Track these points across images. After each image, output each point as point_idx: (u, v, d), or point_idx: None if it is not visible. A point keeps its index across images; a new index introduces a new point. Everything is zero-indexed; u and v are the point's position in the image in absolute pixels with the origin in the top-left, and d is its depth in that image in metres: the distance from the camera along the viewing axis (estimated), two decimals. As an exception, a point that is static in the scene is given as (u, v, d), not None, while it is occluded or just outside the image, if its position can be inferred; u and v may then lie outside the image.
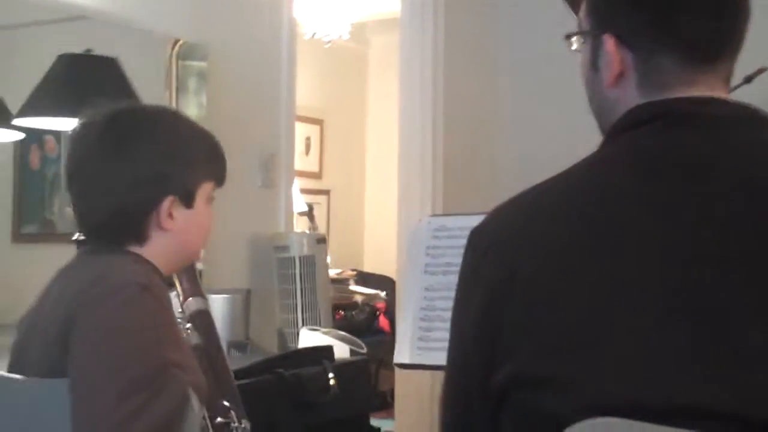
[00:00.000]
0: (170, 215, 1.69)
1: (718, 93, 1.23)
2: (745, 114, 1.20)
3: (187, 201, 1.72)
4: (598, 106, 1.33)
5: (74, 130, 1.74)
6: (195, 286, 1.96)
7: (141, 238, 1.69)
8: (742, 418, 1.01)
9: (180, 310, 1.93)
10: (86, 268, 1.65)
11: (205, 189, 1.76)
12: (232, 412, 1.81)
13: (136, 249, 1.69)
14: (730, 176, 1.14)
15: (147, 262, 1.69)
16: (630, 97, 1.25)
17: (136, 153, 1.68)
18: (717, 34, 1.23)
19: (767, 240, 1.08)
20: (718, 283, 1.06)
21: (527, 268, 1.15)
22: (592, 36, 1.29)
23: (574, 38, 1.36)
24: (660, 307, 1.07)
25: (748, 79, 2.32)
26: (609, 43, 1.25)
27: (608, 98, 1.28)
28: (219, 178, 1.81)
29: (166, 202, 1.68)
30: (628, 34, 1.24)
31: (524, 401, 1.12)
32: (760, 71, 2.47)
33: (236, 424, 1.80)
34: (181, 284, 1.95)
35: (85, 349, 1.51)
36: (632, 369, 1.05)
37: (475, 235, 1.25)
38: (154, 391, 1.48)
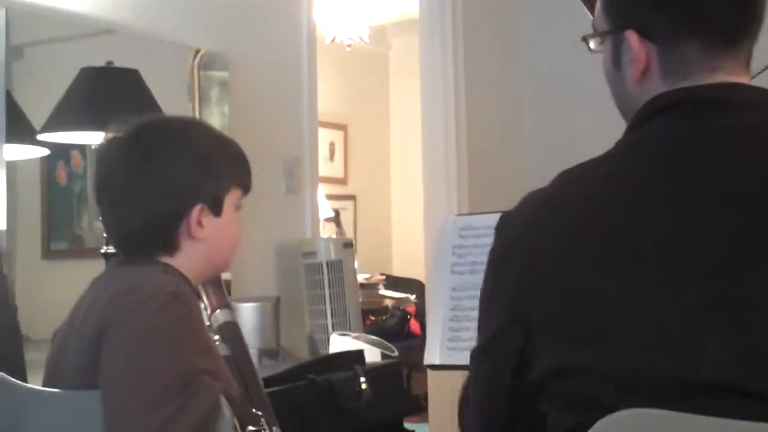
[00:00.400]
0: (200, 224, 1.70)
1: (741, 78, 1.24)
2: (764, 100, 1.21)
3: (216, 209, 1.73)
4: (625, 103, 1.33)
5: (101, 145, 1.76)
6: (221, 298, 1.97)
7: (172, 248, 1.70)
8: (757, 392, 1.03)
9: (208, 323, 1.94)
10: (116, 279, 1.65)
11: (232, 197, 1.77)
12: (263, 420, 1.81)
13: (166, 259, 1.70)
14: (755, 161, 1.14)
15: (176, 271, 1.69)
16: (654, 88, 1.26)
17: (163, 163, 1.69)
18: (739, 17, 1.23)
19: None
20: (735, 273, 1.08)
21: (554, 258, 1.16)
22: (613, 34, 1.30)
23: (591, 39, 1.37)
24: (681, 294, 1.08)
25: None
26: (633, 38, 1.26)
27: (634, 94, 1.30)
28: (245, 186, 1.82)
29: (195, 211, 1.69)
30: (651, 26, 1.25)
31: (564, 389, 1.13)
32: None
33: (267, 430, 1.81)
34: (207, 297, 1.96)
35: (116, 359, 1.51)
36: (661, 350, 1.07)
37: (504, 224, 1.27)
38: (186, 398, 1.47)
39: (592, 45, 1.38)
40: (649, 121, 1.24)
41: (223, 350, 1.88)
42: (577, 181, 1.23)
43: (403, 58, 6.76)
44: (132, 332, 1.52)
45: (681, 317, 1.07)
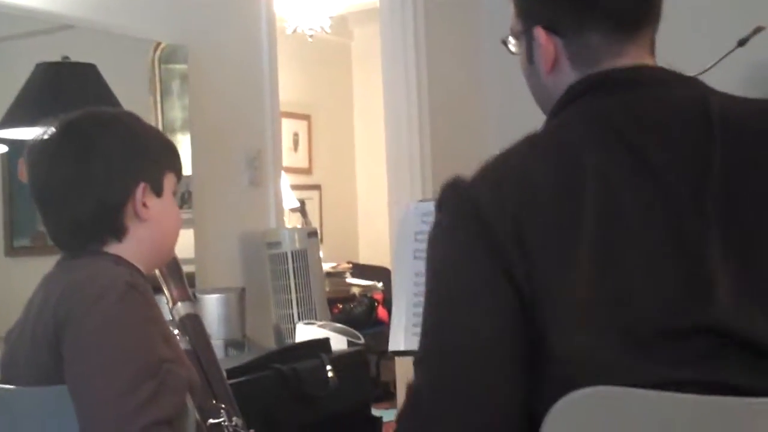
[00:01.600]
0: (144, 204, 1.72)
1: (647, 62, 1.33)
2: (677, 76, 1.30)
3: (157, 189, 1.76)
4: (541, 95, 1.42)
5: (33, 146, 1.76)
6: (183, 290, 1.98)
7: (120, 232, 1.72)
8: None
9: (170, 315, 1.94)
10: (69, 274, 1.65)
11: (169, 181, 1.79)
12: (224, 412, 1.82)
13: (115, 245, 1.72)
14: (668, 132, 1.22)
15: (127, 262, 1.70)
16: (566, 78, 1.34)
17: (102, 150, 1.71)
18: (637, 5, 1.32)
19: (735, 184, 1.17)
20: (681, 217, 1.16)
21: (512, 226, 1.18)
22: (525, 33, 1.39)
23: (511, 42, 1.46)
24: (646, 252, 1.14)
25: (742, 42, 2.26)
26: (540, 34, 1.34)
27: (547, 86, 1.38)
28: (178, 172, 1.84)
29: (140, 190, 1.72)
30: (555, 20, 1.33)
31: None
32: (757, 30, 2.37)
33: (227, 423, 1.81)
34: (168, 289, 1.97)
35: (82, 353, 1.52)
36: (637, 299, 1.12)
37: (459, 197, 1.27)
38: (158, 384, 1.49)
39: (511, 47, 1.47)
40: (570, 105, 1.31)
41: (184, 343, 1.88)
42: (513, 165, 1.28)
43: (365, 47, 6.75)
44: (95, 323, 1.53)
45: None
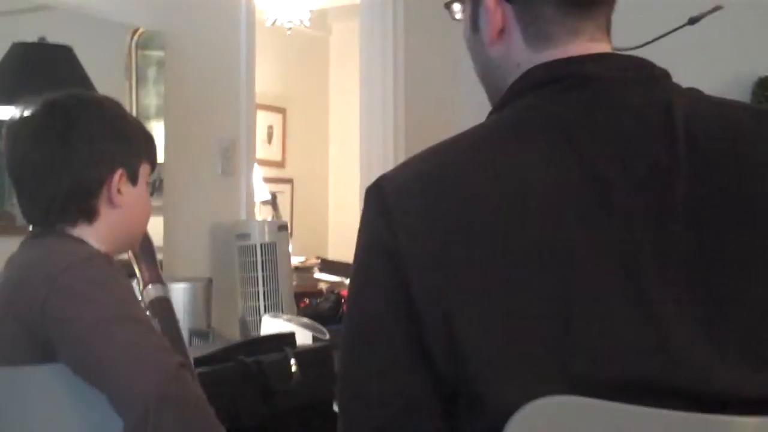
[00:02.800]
0: (119, 191, 1.74)
1: (603, 44, 1.22)
2: (639, 70, 1.19)
3: (133, 178, 1.78)
4: (482, 67, 1.32)
5: (13, 122, 1.76)
6: (155, 272, 1.98)
7: (91, 214, 1.73)
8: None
9: (140, 297, 1.94)
10: (35, 252, 1.66)
11: (144, 170, 1.81)
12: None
13: (85, 227, 1.73)
14: (631, 141, 1.12)
15: (89, 246, 1.71)
16: (516, 51, 1.23)
17: (84, 131, 1.73)
18: None
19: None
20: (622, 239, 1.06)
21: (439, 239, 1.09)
22: None
23: (455, 7, 1.37)
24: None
25: (693, 21, 2.15)
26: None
27: (491, 57, 1.27)
28: (153, 163, 1.86)
29: (116, 176, 1.74)
30: None
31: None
32: (715, 9, 2.14)
33: None
34: (140, 271, 1.97)
35: (80, 322, 1.52)
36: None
37: (374, 189, 1.18)
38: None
39: (456, 13, 1.37)
40: (524, 97, 1.20)
41: (155, 325, 1.88)
42: (450, 165, 1.16)
43: (343, 43, 6.74)
44: (87, 286, 1.55)
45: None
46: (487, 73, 1.31)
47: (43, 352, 1.53)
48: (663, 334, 1.03)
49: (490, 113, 1.28)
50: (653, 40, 1.77)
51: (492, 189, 1.10)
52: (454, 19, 1.37)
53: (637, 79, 1.18)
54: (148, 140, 1.86)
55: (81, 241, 1.70)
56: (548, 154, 1.11)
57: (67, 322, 1.52)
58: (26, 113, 1.75)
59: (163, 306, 1.95)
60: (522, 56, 1.23)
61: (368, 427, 1.13)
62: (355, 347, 1.16)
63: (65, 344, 1.52)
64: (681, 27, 1.85)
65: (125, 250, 1.90)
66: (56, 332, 1.52)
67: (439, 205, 1.11)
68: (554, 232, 1.06)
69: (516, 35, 1.23)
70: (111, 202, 1.74)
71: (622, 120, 1.14)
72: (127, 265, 1.94)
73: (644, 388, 1.03)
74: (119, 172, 1.74)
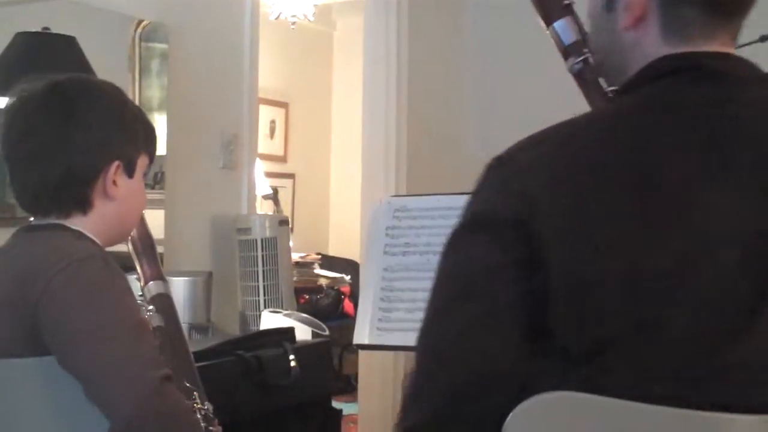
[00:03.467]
0: (114, 183, 1.70)
1: (731, 50, 1.25)
2: (761, 73, 1.23)
3: (130, 170, 1.74)
4: (607, 46, 1.32)
5: (13, 102, 1.73)
6: (156, 269, 1.96)
7: (86, 205, 1.69)
8: None
9: (141, 293, 1.93)
10: (35, 248, 1.63)
11: (142, 162, 1.77)
12: (196, 394, 1.81)
13: (80, 218, 1.69)
14: (757, 132, 1.16)
15: (89, 239, 1.68)
16: (650, 42, 1.25)
17: (85, 116, 1.68)
18: None
19: None
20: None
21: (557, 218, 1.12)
22: None
23: None
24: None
25: (764, 38, 2.17)
26: None
27: (622, 41, 1.28)
28: (152, 155, 1.82)
29: (113, 167, 1.69)
30: None
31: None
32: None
33: (200, 406, 1.80)
34: (141, 268, 1.95)
35: (71, 325, 1.51)
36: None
37: (504, 158, 1.21)
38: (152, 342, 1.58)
39: None
40: (649, 84, 1.23)
41: (157, 320, 1.87)
42: (581, 137, 1.20)
43: (347, 38, 6.73)
44: (79, 293, 1.53)
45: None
46: (612, 52, 1.32)
47: (37, 347, 1.52)
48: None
49: (615, 94, 1.31)
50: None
51: (622, 162, 1.14)
52: None
53: (760, 78, 1.22)
54: (148, 131, 1.81)
55: (80, 236, 1.67)
56: (678, 139, 1.15)
57: (58, 326, 1.51)
58: (26, 94, 1.71)
59: (164, 302, 1.94)
60: (654, 48, 1.25)
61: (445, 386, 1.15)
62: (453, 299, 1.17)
63: (54, 346, 1.51)
64: (751, 43, 1.88)
65: (118, 243, 1.84)
66: (47, 333, 1.51)
67: (570, 177, 1.15)
68: (679, 213, 1.09)
69: (653, 28, 1.25)
70: (106, 194, 1.70)
71: (750, 114, 1.17)
72: (126, 257, 1.92)
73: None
74: (116, 163, 1.70)
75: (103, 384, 1.47)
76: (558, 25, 1.83)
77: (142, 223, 1.96)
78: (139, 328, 1.55)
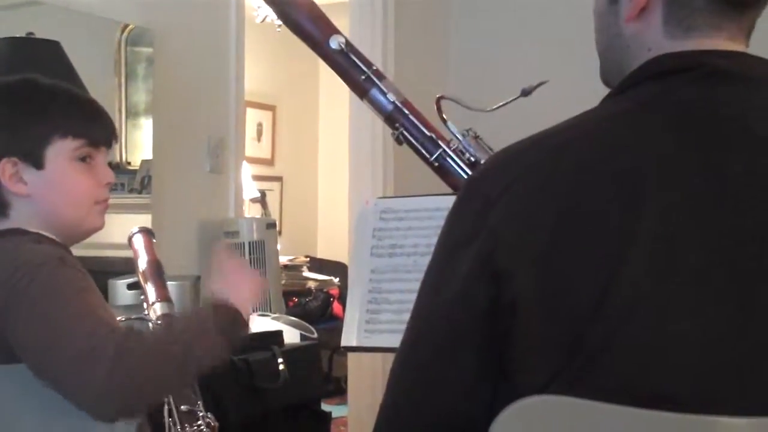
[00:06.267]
0: (21, 179, 1.62)
1: (740, 45, 1.18)
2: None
3: (35, 161, 1.63)
4: (609, 41, 1.26)
5: None
6: (162, 292, 1.94)
7: (4, 207, 1.63)
8: None
9: (146, 313, 1.92)
10: None
11: (61, 147, 1.64)
12: (200, 403, 1.81)
13: (4, 221, 1.63)
14: (760, 141, 1.10)
15: (49, 239, 1.63)
16: (652, 33, 1.19)
17: None
18: None
19: None
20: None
21: (551, 220, 1.08)
22: None
23: None
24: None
25: (526, 93, 2.05)
26: None
27: (624, 34, 1.22)
28: (83, 135, 1.67)
29: (2, 166, 1.61)
30: None
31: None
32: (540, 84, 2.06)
33: (203, 413, 1.80)
34: (149, 290, 1.93)
35: (32, 332, 1.46)
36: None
37: (482, 179, 1.17)
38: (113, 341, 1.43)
39: None
40: (650, 82, 1.17)
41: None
42: (576, 139, 1.14)
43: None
44: (36, 298, 1.47)
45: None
46: (612, 48, 1.26)
47: (9, 354, 1.50)
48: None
49: (609, 95, 1.24)
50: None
51: (606, 173, 1.09)
52: None
53: (766, 79, 1.16)
54: (68, 113, 1.67)
55: (38, 239, 1.61)
56: (669, 145, 1.09)
57: (15, 337, 1.47)
58: None
59: (165, 321, 1.93)
60: (655, 41, 1.19)
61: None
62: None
63: (19, 351, 1.49)
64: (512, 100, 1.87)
65: (75, 239, 1.72)
66: (12, 341, 1.49)
67: (554, 187, 1.10)
68: (665, 224, 1.05)
69: (656, 18, 1.19)
70: (14, 193, 1.62)
71: (749, 117, 1.12)
72: (112, 262, 1.90)
73: None
74: (4, 161, 1.60)
75: (62, 386, 1.44)
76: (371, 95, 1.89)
77: (150, 250, 1.96)
78: (92, 313, 1.46)
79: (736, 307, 1.03)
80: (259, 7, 5.67)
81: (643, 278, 1.03)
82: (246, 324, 1.63)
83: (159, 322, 1.86)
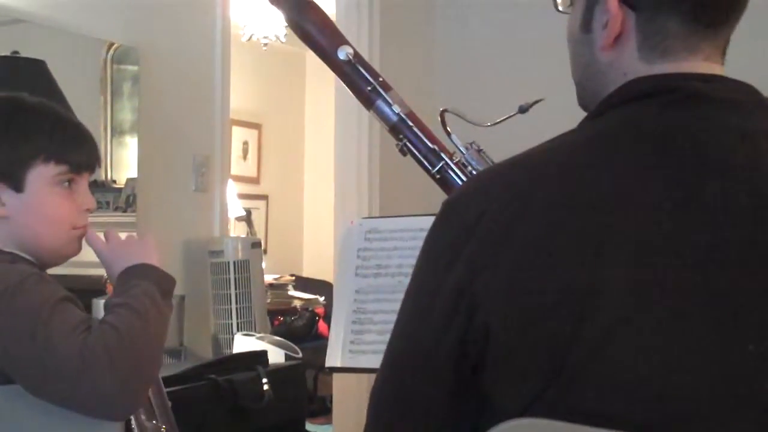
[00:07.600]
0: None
1: (718, 66, 1.18)
2: (750, 99, 1.16)
3: (15, 184, 1.63)
4: (584, 69, 1.26)
5: None
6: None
7: None
8: None
9: None
10: None
11: (42, 171, 1.64)
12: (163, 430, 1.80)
13: None
14: (734, 166, 1.09)
15: (24, 260, 1.63)
16: (627, 60, 1.19)
17: None
18: (724, 0, 1.16)
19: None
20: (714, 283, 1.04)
21: (527, 247, 1.07)
22: None
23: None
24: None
25: (523, 110, 2.08)
26: (612, 1, 1.17)
27: (599, 62, 1.21)
28: (64, 159, 1.66)
29: None
30: None
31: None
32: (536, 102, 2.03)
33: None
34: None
35: (20, 345, 1.45)
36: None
37: (458, 204, 1.17)
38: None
39: (560, 5, 1.29)
40: (624, 106, 1.16)
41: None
42: (545, 174, 1.13)
43: (319, 59, 6.73)
44: (19, 312, 1.46)
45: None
46: (588, 76, 1.26)
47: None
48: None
49: (585, 119, 1.23)
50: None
51: (582, 198, 1.08)
52: (558, 10, 1.30)
53: (746, 103, 1.15)
54: (51, 137, 1.66)
55: (13, 259, 1.60)
56: (645, 169, 1.09)
57: (9, 356, 1.47)
58: None
59: None
60: (631, 66, 1.18)
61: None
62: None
63: (10, 373, 1.48)
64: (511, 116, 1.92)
65: (52, 262, 1.71)
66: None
67: (529, 214, 1.09)
68: (642, 249, 1.04)
69: (631, 44, 1.18)
70: None
71: (724, 143, 1.10)
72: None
73: None
74: None
75: (70, 403, 1.44)
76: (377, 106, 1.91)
77: None
78: (64, 322, 1.45)
79: (715, 331, 1.03)
80: (245, 26, 5.69)
81: (621, 302, 1.03)
82: (157, 266, 1.76)
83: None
